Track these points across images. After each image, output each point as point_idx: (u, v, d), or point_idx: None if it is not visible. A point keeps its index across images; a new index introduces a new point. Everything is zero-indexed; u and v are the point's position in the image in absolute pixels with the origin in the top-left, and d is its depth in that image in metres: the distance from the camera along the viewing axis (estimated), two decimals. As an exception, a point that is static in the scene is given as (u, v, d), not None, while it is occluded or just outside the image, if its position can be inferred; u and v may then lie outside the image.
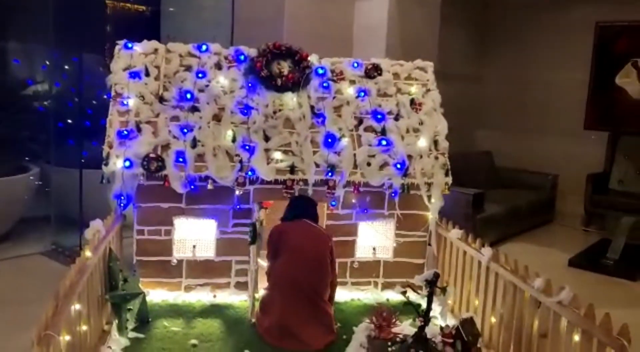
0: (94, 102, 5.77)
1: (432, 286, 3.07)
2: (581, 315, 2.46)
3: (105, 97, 5.80)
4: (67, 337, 2.24)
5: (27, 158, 5.48)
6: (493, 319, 3.21)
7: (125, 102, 3.69)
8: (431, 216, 3.99)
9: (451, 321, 3.34)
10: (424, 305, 3.15)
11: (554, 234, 6.73)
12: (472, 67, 8.03)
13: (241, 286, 3.81)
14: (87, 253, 2.77)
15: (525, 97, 7.80)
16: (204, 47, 4.01)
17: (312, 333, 3.22)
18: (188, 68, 3.93)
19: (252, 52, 4.04)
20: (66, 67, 5.83)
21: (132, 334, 3.18)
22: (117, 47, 3.93)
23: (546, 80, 7.62)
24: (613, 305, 4.23)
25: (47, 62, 5.79)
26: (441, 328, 3.18)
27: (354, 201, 3.89)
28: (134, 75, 3.79)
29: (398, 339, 3.17)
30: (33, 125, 5.67)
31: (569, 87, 7.44)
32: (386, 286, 4.02)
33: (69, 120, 5.40)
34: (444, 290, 3.16)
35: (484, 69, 8.14)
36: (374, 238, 4.00)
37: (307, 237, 3.40)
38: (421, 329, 3.10)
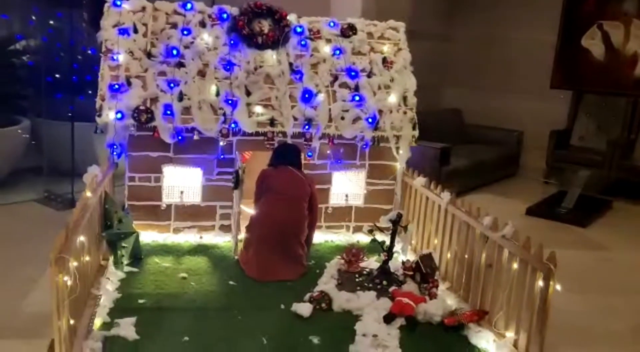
0: (79, 57, 5.97)
1: (396, 224, 3.47)
2: (519, 246, 2.88)
3: (89, 52, 6.01)
4: (75, 263, 2.59)
5: (17, 111, 5.69)
6: (449, 255, 3.64)
7: (115, 58, 3.95)
8: (399, 166, 4.36)
9: (412, 257, 3.76)
10: (388, 242, 3.55)
11: (516, 186, 7.19)
12: (444, 26, 8.29)
13: (225, 229, 4.17)
14: (88, 193, 3.09)
15: (494, 56, 8.11)
16: (188, 6, 4.24)
17: (286, 266, 3.61)
18: (174, 26, 4.17)
19: (235, 11, 4.28)
20: (51, 22, 5.99)
21: (127, 269, 3.54)
22: (106, 5, 4.14)
23: (514, 40, 7.92)
24: (562, 247, 4.69)
25: (34, 18, 5.94)
26: (403, 262, 3.61)
27: (328, 152, 4.24)
28: (123, 32, 4.03)
29: (365, 272, 3.59)
30: (23, 79, 5.86)
31: (536, 47, 7.75)
32: (357, 230, 4.41)
33: (57, 75, 5.61)
34: (405, 228, 3.55)
35: (456, 28, 8.41)
36: (347, 186, 4.37)
37: (287, 181, 3.75)
38: (385, 262, 3.52)
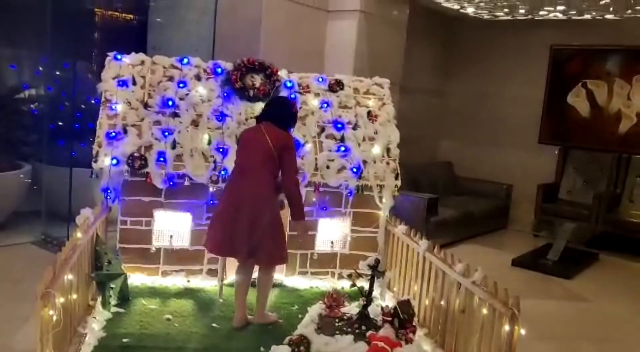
0: (83, 106, 6.23)
1: (374, 270, 3.60)
2: (487, 292, 3.00)
3: (93, 101, 6.28)
4: (62, 300, 2.72)
5: (20, 156, 5.92)
6: (427, 301, 3.74)
7: (113, 107, 4.17)
8: (382, 214, 4.52)
9: (391, 303, 3.86)
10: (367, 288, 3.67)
11: (505, 238, 7.32)
12: (437, 82, 8.63)
13: (212, 273, 4.28)
14: (79, 234, 3.25)
15: (485, 111, 8.40)
16: (185, 60, 4.51)
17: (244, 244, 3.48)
18: (171, 78, 4.41)
19: (229, 65, 4.54)
20: (57, 73, 6.29)
21: (114, 309, 3.65)
22: (107, 58, 4.40)
23: (504, 96, 8.23)
24: (545, 298, 4.83)
25: (41, 68, 6.26)
26: (382, 308, 3.71)
27: (314, 199, 4.41)
28: (122, 83, 4.28)
29: (345, 317, 3.69)
30: (27, 126, 6.12)
31: (525, 103, 8.05)
32: (342, 276, 4.52)
33: (60, 123, 5.86)
34: (382, 273, 3.68)
35: (448, 84, 8.74)
36: (332, 233, 4.51)
37: (250, 149, 3.58)
38: (364, 307, 3.62)
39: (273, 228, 3.53)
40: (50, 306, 2.44)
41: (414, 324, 3.60)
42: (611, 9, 6.45)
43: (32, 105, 6.26)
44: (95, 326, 3.34)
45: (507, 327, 2.78)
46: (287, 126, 3.73)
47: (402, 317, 3.57)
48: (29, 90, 6.26)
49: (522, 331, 2.75)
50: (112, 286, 3.70)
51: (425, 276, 3.79)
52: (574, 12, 6.90)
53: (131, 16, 7.22)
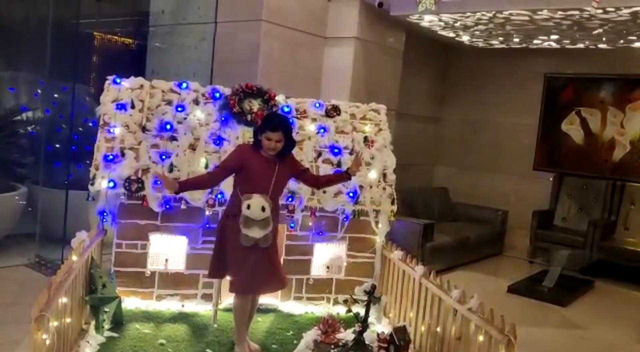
0: (80, 129, 6.25)
1: (370, 295, 3.59)
2: (483, 319, 2.99)
3: (90, 124, 6.30)
4: (55, 323, 2.70)
5: (16, 178, 5.91)
6: (423, 328, 3.73)
7: (111, 131, 4.19)
8: (378, 239, 4.52)
9: (387, 329, 3.84)
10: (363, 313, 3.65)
11: (501, 264, 7.31)
12: (433, 109, 8.71)
13: (207, 297, 4.25)
14: (74, 257, 3.23)
15: (480, 137, 8.47)
16: (184, 85, 4.54)
17: None
18: (169, 102, 4.44)
19: (227, 90, 4.58)
20: (56, 95, 6.32)
21: (107, 333, 3.62)
22: (107, 82, 4.44)
23: (499, 123, 8.31)
24: (540, 325, 4.81)
25: (39, 91, 6.29)
26: (377, 334, 3.69)
27: (310, 224, 4.41)
28: (121, 107, 4.30)
29: (341, 344, 3.66)
30: (24, 148, 6.12)
31: (520, 130, 8.13)
32: (337, 302, 4.50)
33: (57, 145, 5.87)
34: (378, 299, 3.67)
35: (444, 111, 8.83)
36: (328, 257, 4.50)
37: None
38: (360, 333, 3.60)
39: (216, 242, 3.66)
40: (44, 330, 2.42)
41: (409, 350, 3.57)
42: (604, 38, 6.56)
43: (29, 128, 6.27)
44: (88, 351, 3.30)
45: (503, 355, 2.77)
46: (255, 137, 3.62)
47: (398, 343, 3.54)
48: (27, 112, 6.27)
49: (519, 359, 2.74)
50: (106, 309, 3.67)
51: (421, 302, 3.78)
52: (568, 42, 7.01)
53: (131, 40, 7.31)
